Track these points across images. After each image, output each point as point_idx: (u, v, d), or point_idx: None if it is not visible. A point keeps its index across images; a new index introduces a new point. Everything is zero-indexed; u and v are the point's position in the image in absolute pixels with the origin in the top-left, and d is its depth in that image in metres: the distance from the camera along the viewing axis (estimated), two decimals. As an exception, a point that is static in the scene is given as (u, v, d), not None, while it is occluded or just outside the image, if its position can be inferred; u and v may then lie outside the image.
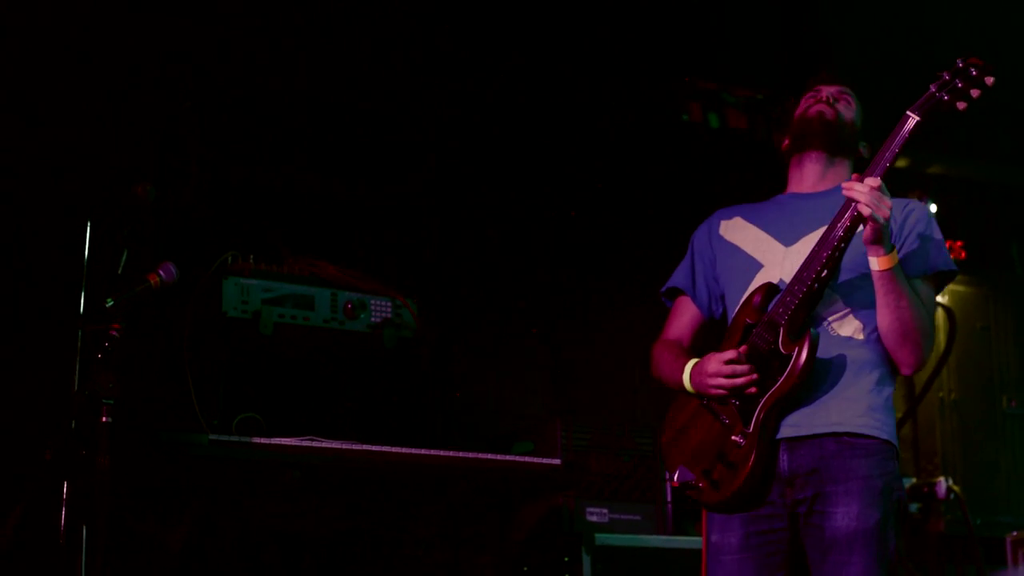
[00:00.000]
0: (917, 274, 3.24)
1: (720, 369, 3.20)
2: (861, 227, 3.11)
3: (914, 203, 3.34)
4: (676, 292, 3.57)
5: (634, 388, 5.73)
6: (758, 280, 3.32)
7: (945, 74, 3.12)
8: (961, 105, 3.10)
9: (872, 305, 3.18)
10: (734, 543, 3.21)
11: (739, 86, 6.00)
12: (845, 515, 3.09)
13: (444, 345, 5.16)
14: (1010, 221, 6.86)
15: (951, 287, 6.23)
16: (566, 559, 4.68)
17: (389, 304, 4.64)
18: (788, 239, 3.33)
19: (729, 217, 3.51)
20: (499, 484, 4.45)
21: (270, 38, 5.03)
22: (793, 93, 3.55)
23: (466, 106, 5.50)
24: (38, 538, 3.66)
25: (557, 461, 4.47)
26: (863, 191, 3.04)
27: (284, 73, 5.11)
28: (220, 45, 4.93)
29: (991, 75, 3.08)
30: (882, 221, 3.04)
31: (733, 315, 3.35)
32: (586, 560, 4.65)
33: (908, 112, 3.11)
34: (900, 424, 6.10)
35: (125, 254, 3.82)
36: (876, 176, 3.07)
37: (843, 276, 3.22)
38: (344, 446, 4.08)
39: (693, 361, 3.32)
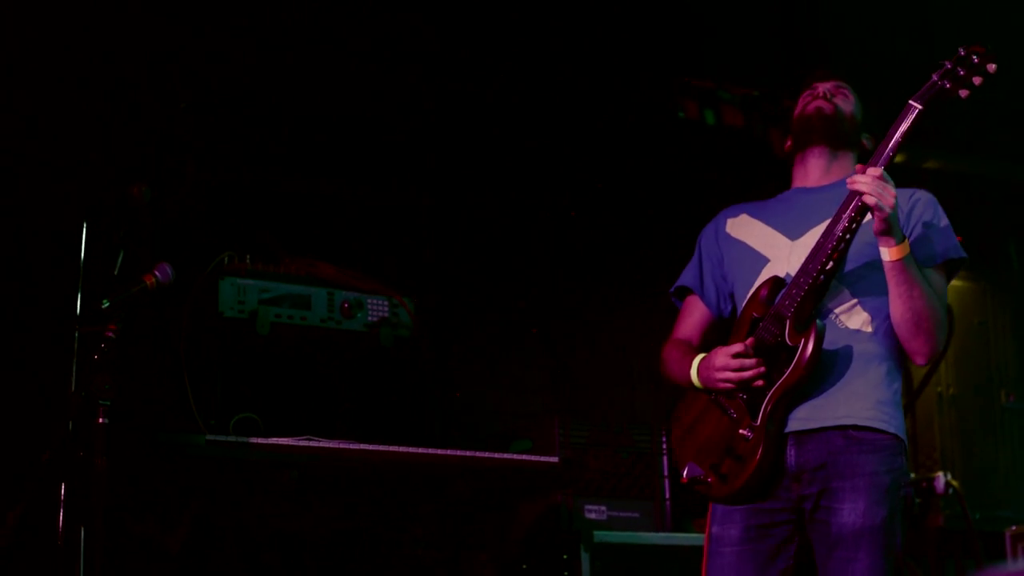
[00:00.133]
0: (927, 263, 3.22)
1: (727, 363, 3.20)
2: (868, 218, 3.10)
3: (920, 192, 3.32)
4: (685, 292, 3.56)
5: (632, 385, 5.73)
6: (764, 274, 3.31)
7: (947, 62, 3.10)
8: (963, 93, 3.09)
9: (881, 296, 3.17)
10: (735, 535, 3.21)
11: (735, 83, 6.00)
12: (852, 511, 3.09)
13: (442, 344, 5.16)
14: (1007, 217, 6.85)
15: (948, 283, 6.20)
16: (565, 557, 4.68)
17: (386, 303, 4.64)
18: (794, 233, 3.33)
19: (735, 215, 3.51)
20: (497, 482, 4.45)
21: (266, 38, 5.02)
22: (789, 89, 3.55)
23: (464, 106, 5.50)
24: (37, 540, 3.66)
25: (555, 459, 4.48)
26: (866, 181, 3.04)
27: (281, 73, 5.10)
28: (216, 45, 4.92)
29: (993, 62, 3.07)
30: (887, 210, 3.03)
31: (741, 310, 3.35)
32: (585, 557, 4.65)
33: (911, 101, 3.09)
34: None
35: (121, 255, 3.82)
36: (879, 166, 3.07)
37: (850, 267, 3.22)
38: (342, 445, 4.08)
39: (700, 356, 3.31)
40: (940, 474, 5.98)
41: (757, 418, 3.16)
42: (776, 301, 3.21)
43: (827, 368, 3.17)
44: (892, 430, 3.17)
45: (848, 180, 3.11)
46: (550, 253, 5.76)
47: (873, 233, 3.10)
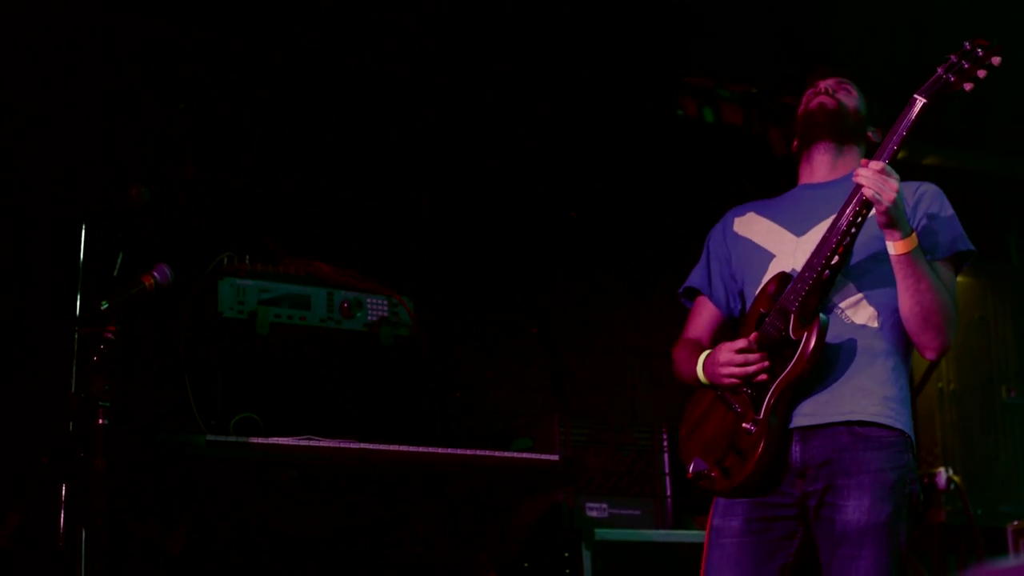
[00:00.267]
0: (935, 256, 3.21)
1: (731, 358, 3.19)
2: (874, 212, 3.08)
3: (926, 185, 3.30)
4: (693, 292, 3.56)
5: (632, 383, 5.73)
6: (771, 270, 3.31)
7: (952, 56, 3.10)
8: (968, 86, 3.09)
9: (888, 290, 3.16)
10: (736, 527, 3.21)
11: (733, 81, 6.00)
12: (856, 508, 3.08)
13: (442, 343, 5.16)
14: (1007, 212, 6.84)
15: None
16: (566, 555, 4.68)
17: (385, 303, 4.64)
18: (799, 229, 3.32)
19: (742, 214, 3.50)
20: (498, 481, 4.45)
21: (264, 39, 5.03)
22: (788, 87, 3.55)
23: (464, 105, 5.50)
24: (38, 541, 3.66)
25: (556, 457, 4.47)
26: (867, 174, 3.04)
27: (280, 73, 5.11)
28: (215, 47, 4.93)
29: (998, 55, 3.06)
30: (886, 203, 3.02)
31: (749, 306, 3.35)
32: (586, 555, 4.65)
33: (915, 95, 3.09)
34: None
35: (120, 256, 3.82)
36: (882, 159, 3.06)
37: (856, 261, 3.21)
38: (342, 445, 4.08)
39: (706, 353, 3.31)
40: (942, 470, 5.98)
41: (760, 412, 3.16)
42: (781, 296, 3.21)
43: (833, 363, 3.16)
44: (899, 426, 3.16)
45: (853, 174, 3.11)
46: (550, 253, 5.76)
47: (878, 226, 3.09)
